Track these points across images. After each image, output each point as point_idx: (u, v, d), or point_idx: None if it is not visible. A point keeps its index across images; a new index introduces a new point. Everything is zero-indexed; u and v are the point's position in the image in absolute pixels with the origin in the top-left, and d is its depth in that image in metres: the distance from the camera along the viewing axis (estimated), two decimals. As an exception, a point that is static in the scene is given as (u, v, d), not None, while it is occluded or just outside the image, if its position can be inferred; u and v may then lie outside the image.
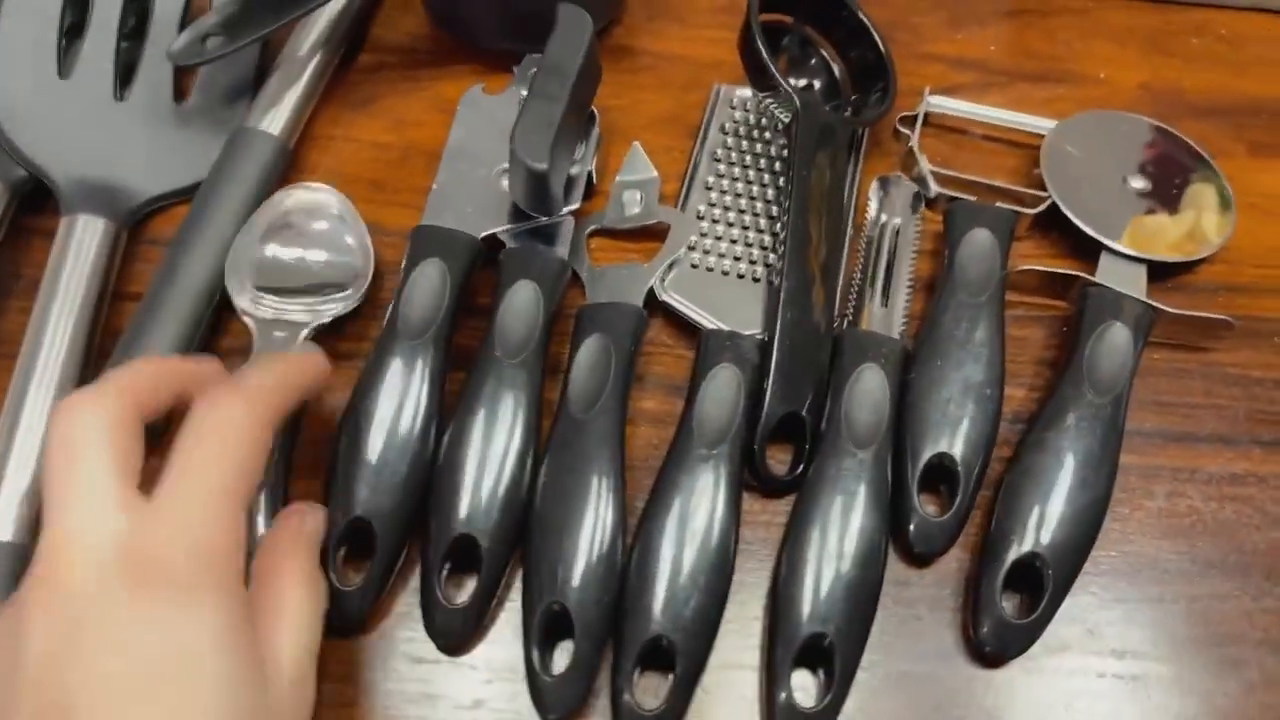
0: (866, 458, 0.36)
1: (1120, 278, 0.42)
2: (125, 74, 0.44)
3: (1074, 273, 0.42)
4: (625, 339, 0.38)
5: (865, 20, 0.46)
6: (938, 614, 0.36)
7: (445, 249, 0.39)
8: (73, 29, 0.44)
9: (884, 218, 0.44)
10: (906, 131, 0.46)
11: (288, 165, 0.44)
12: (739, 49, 0.44)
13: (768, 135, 0.46)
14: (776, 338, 0.38)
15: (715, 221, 0.43)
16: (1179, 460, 0.39)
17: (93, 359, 0.39)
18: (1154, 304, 0.40)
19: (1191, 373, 0.41)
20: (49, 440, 0.28)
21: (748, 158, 0.45)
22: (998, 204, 0.43)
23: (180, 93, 0.45)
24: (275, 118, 0.44)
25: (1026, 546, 0.35)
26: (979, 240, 0.42)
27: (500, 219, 0.41)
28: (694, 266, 0.42)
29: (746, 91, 0.46)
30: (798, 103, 0.42)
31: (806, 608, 0.34)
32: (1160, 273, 0.43)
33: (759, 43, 0.42)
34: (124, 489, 0.27)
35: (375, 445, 0.35)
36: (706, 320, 0.40)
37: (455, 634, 0.35)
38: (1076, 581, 0.36)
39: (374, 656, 0.35)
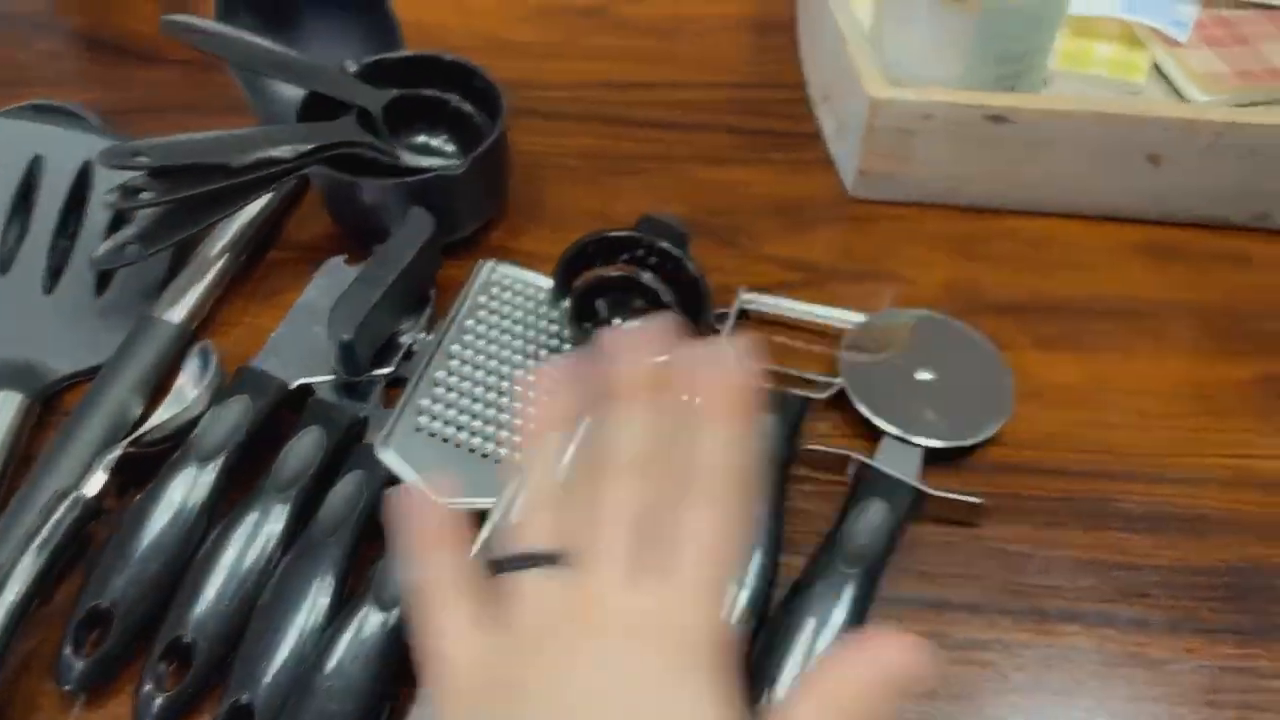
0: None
1: (897, 460, 0.47)
2: (56, 272, 0.53)
3: (849, 453, 0.47)
4: (375, 482, 0.44)
5: (696, 276, 0.52)
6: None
7: (254, 388, 0.46)
8: (18, 236, 0.53)
9: None
10: (718, 327, 0.52)
11: (185, 348, 0.51)
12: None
13: (525, 318, 0.52)
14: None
15: (450, 390, 0.48)
16: (931, 626, 0.43)
17: (-7, 515, 0.45)
18: (917, 485, 0.45)
19: (956, 545, 0.46)
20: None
21: (498, 334, 0.51)
22: (791, 390, 0.49)
23: (102, 287, 0.53)
24: (178, 309, 0.52)
25: (760, 698, 0.39)
26: (765, 424, 0.47)
27: (320, 371, 0.48)
28: (418, 430, 0.47)
29: (512, 270, 0.53)
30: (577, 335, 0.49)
31: None
32: (946, 455, 0.48)
33: (561, 310, 0.50)
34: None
35: (135, 544, 0.42)
36: (417, 484, 0.44)
37: (153, 717, 0.40)
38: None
39: (93, 718, 0.41)
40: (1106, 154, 0.56)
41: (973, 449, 0.49)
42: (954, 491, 0.45)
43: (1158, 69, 0.65)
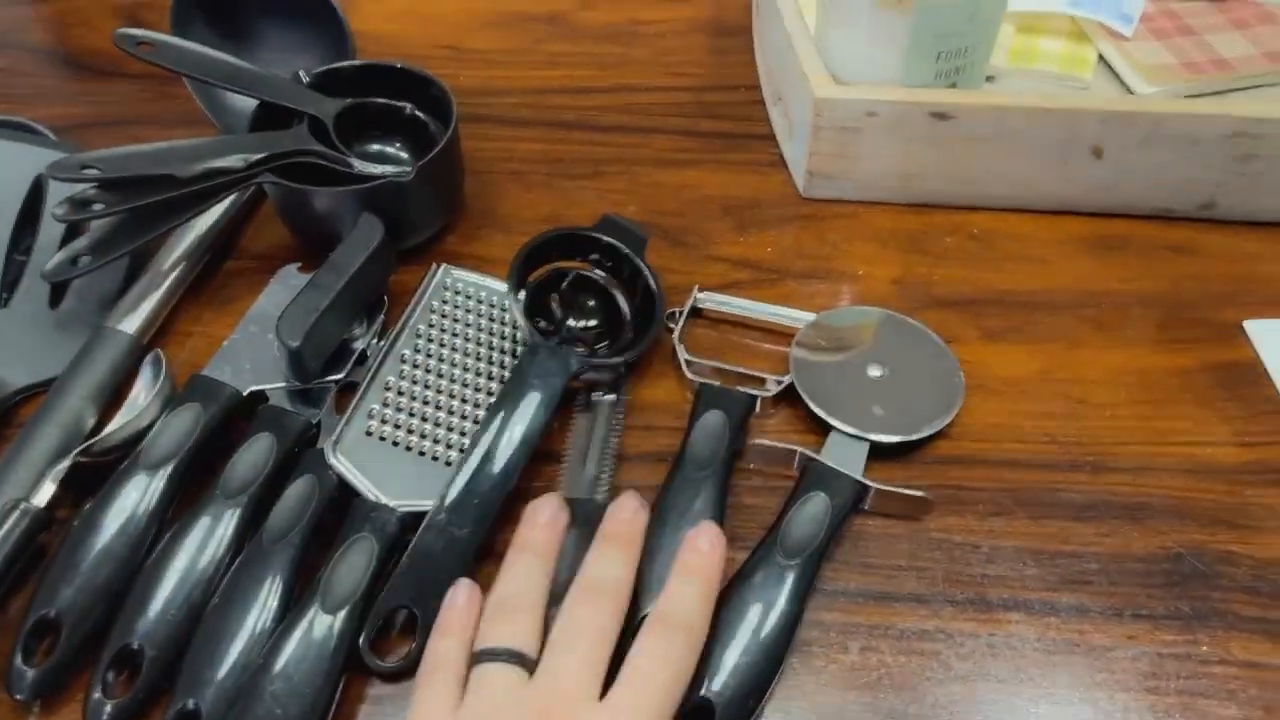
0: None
1: (843, 454, 0.47)
2: (11, 285, 0.53)
3: (794, 447, 0.47)
4: (326, 486, 0.45)
5: (649, 280, 0.53)
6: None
7: (205, 396, 0.47)
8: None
9: (597, 395, 0.50)
10: (671, 325, 0.53)
11: (139, 358, 0.52)
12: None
13: (478, 321, 0.52)
14: (413, 543, 0.43)
15: (401, 394, 0.49)
16: (876, 618, 0.44)
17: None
18: (861, 479, 0.46)
19: (900, 537, 0.46)
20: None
21: (450, 338, 0.51)
22: (739, 388, 0.50)
23: (57, 299, 0.53)
24: (132, 319, 0.52)
25: (699, 690, 0.39)
26: (711, 421, 0.48)
27: (273, 378, 0.49)
28: (369, 434, 0.47)
29: (465, 274, 0.54)
30: (531, 340, 0.49)
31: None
32: (895, 450, 0.48)
33: (516, 302, 0.50)
34: None
35: (83, 553, 0.42)
36: (366, 488, 0.45)
37: None
38: (761, 729, 0.40)
39: None
40: (1049, 148, 0.56)
41: (920, 443, 0.49)
42: (898, 485, 0.46)
43: (1105, 63, 0.65)
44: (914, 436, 0.48)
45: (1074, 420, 0.51)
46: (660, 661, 0.37)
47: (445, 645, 0.39)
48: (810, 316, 0.53)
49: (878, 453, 0.48)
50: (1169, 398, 0.51)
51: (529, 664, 0.37)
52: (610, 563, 0.40)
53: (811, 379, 0.50)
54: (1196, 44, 0.65)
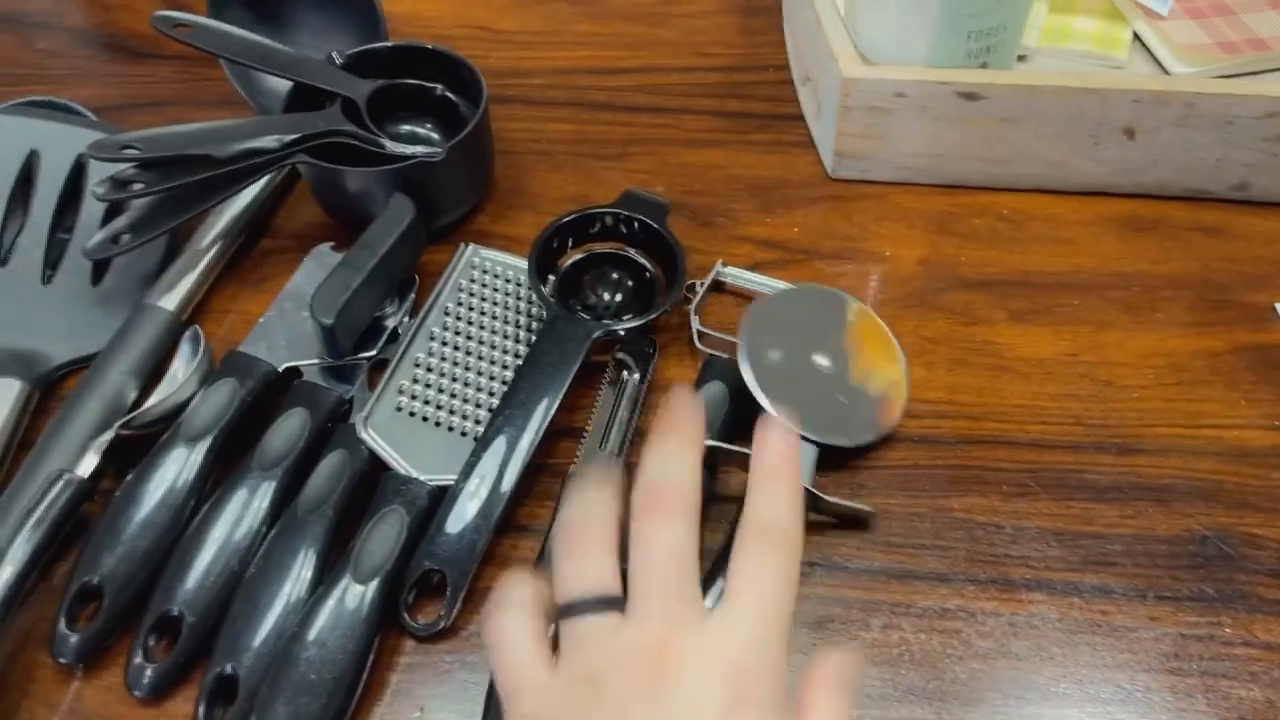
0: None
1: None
2: (54, 263, 0.54)
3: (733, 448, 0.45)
4: (358, 461, 0.46)
5: (673, 246, 0.53)
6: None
7: (242, 372, 0.48)
8: (17, 229, 0.55)
9: (623, 375, 0.50)
10: (690, 297, 0.53)
11: (178, 334, 0.53)
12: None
13: (505, 300, 0.53)
14: (441, 511, 0.44)
15: (430, 370, 0.50)
16: (898, 596, 0.44)
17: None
18: (809, 489, 0.44)
19: (922, 517, 0.47)
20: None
21: (478, 315, 0.52)
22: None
23: (98, 277, 0.55)
24: (171, 296, 0.53)
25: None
26: (713, 391, 0.48)
27: (307, 355, 0.50)
28: (399, 409, 0.48)
29: (493, 254, 0.55)
30: (550, 311, 0.50)
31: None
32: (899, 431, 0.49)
33: (534, 275, 0.51)
34: None
35: (125, 522, 0.44)
36: (396, 462, 0.46)
37: (145, 689, 0.42)
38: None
39: (88, 689, 0.43)
40: (1081, 128, 0.56)
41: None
42: (846, 498, 0.45)
43: (1140, 43, 0.65)
44: (861, 442, 0.47)
45: (1100, 402, 0.50)
46: (767, 572, 0.34)
47: (518, 592, 0.35)
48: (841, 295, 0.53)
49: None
50: (1198, 380, 0.51)
51: (618, 603, 0.34)
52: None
53: (762, 373, 0.48)
54: (1233, 23, 0.64)
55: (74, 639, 0.42)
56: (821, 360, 0.49)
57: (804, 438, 0.46)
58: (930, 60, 0.55)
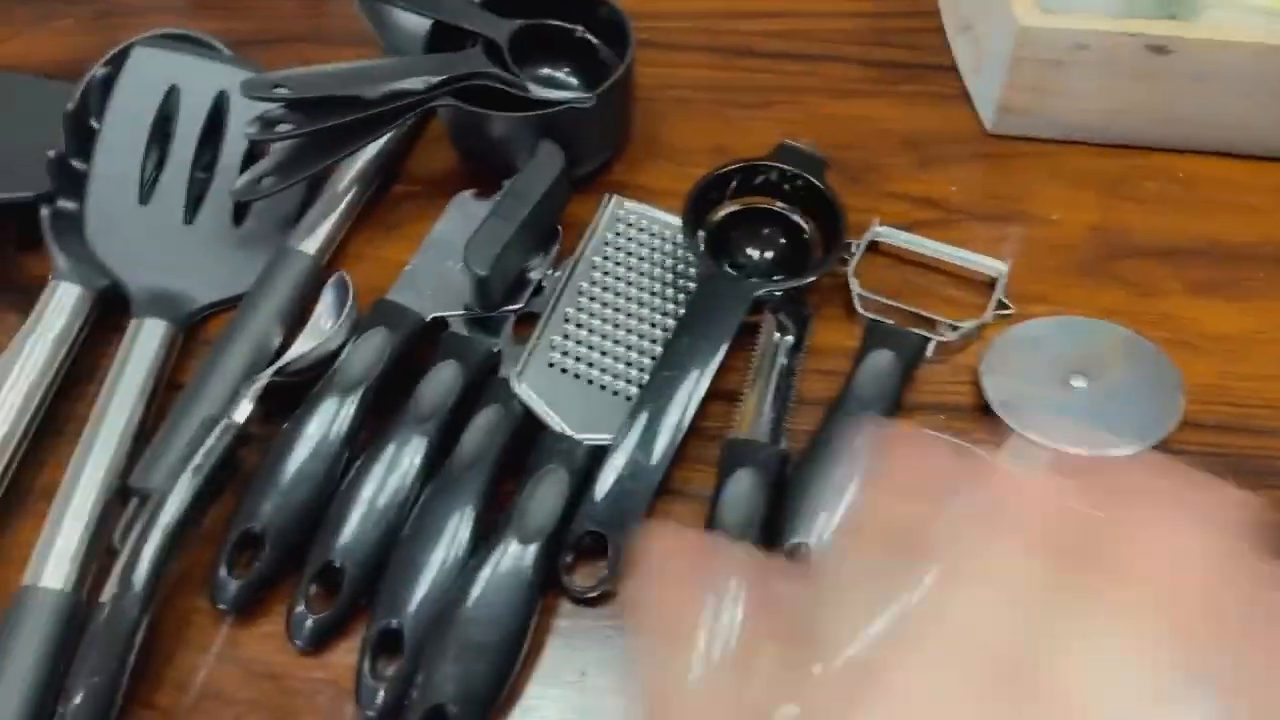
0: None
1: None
2: (195, 202, 0.54)
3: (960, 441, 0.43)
4: (512, 416, 0.44)
5: (835, 205, 0.51)
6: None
7: (392, 321, 0.47)
8: (155, 164, 0.54)
9: (776, 338, 0.48)
10: (846, 258, 0.51)
11: (319, 279, 0.52)
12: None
13: (652, 255, 0.51)
14: (601, 472, 0.43)
15: (580, 326, 0.48)
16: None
17: (143, 440, 0.47)
18: None
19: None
20: None
21: (625, 270, 0.50)
22: (912, 329, 0.48)
23: (239, 217, 0.54)
24: (312, 240, 0.52)
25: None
26: (878, 360, 0.46)
27: (453, 305, 0.48)
28: (550, 365, 0.47)
29: (637, 206, 0.53)
30: (707, 270, 0.48)
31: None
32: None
33: (689, 231, 0.49)
34: None
35: (284, 472, 0.43)
36: (552, 419, 0.45)
37: (306, 638, 0.41)
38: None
39: (245, 636, 0.43)
40: (1271, 88, 0.52)
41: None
42: None
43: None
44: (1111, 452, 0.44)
45: (1292, 384, 0.47)
46: None
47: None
48: (998, 265, 0.51)
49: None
50: (1397, 363, 0.48)
51: None
52: None
53: (1008, 395, 0.46)
54: None
55: (234, 585, 0.42)
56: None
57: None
58: (1119, 10, 0.51)
